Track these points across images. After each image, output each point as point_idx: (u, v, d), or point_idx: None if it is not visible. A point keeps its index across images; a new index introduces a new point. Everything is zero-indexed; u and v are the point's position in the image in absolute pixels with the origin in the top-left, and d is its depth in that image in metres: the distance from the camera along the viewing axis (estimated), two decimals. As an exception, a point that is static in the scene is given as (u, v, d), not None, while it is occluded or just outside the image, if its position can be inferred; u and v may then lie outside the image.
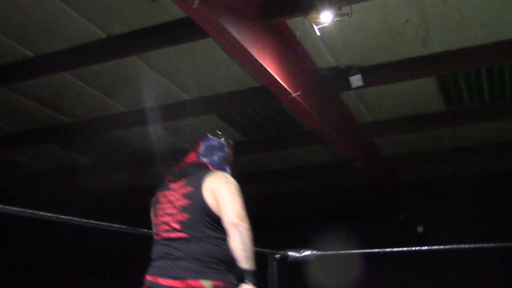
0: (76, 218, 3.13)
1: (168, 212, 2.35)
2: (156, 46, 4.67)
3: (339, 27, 4.26)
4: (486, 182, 8.14)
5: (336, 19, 3.97)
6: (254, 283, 2.14)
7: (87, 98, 5.86)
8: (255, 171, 8.30)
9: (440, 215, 8.52)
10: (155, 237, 2.42)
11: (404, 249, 4.94)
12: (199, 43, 4.60)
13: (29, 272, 8.60)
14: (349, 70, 5.05)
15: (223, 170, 2.52)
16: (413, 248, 4.98)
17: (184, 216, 2.28)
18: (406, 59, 4.94)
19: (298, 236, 7.31)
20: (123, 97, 5.90)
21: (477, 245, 4.47)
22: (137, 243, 8.79)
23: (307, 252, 3.84)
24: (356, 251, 5.25)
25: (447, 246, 4.61)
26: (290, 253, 3.74)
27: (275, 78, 4.22)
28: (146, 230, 3.89)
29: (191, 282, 2.15)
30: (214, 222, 2.26)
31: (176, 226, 2.28)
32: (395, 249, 4.99)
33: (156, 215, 2.45)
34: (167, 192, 2.42)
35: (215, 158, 2.56)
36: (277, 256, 4.42)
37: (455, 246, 4.69)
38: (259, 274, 2.27)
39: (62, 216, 3.02)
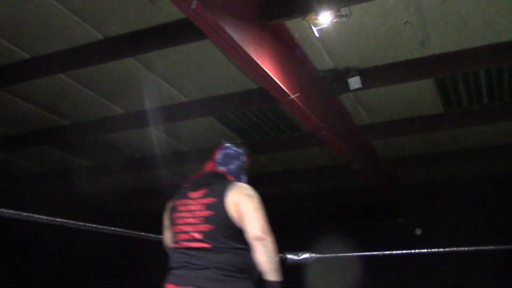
0: (73, 221, 3.11)
1: (188, 222, 2.38)
2: (153, 48, 4.64)
3: (338, 28, 4.24)
4: (485, 184, 8.12)
5: (335, 20, 3.96)
6: None
7: (84, 100, 5.83)
8: (253, 173, 8.23)
9: (439, 218, 8.50)
10: (174, 245, 2.44)
11: (403, 251, 4.92)
12: (197, 44, 4.58)
13: (25, 276, 8.55)
14: (347, 72, 5.04)
15: (240, 178, 2.60)
16: (412, 251, 4.96)
17: (206, 227, 2.32)
18: (405, 61, 4.92)
19: (296, 239, 7.28)
20: (120, 99, 5.87)
21: (476, 248, 4.45)
22: (135, 246, 8.79)
23: (306, 255, 3.80)
24: (355, 253, 5.23)
25: (446, 249, 4.59)
26: (288, 256, 3.70)
27: (273, 80, 4.19)
28: (143, 234, 3.86)
29: None
30: (236, 234, 2.30)
31: (198, 236, 2.32)
32: (394, 252, 4.97)
33: (173, 223, 2.47)
34: (186, 201, 2.45)
35: (232, 167, 2.62)
36: (275, 259, 4.36)
37: (454, 248, 4.67)
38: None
39: (58, 219, 3.00)
